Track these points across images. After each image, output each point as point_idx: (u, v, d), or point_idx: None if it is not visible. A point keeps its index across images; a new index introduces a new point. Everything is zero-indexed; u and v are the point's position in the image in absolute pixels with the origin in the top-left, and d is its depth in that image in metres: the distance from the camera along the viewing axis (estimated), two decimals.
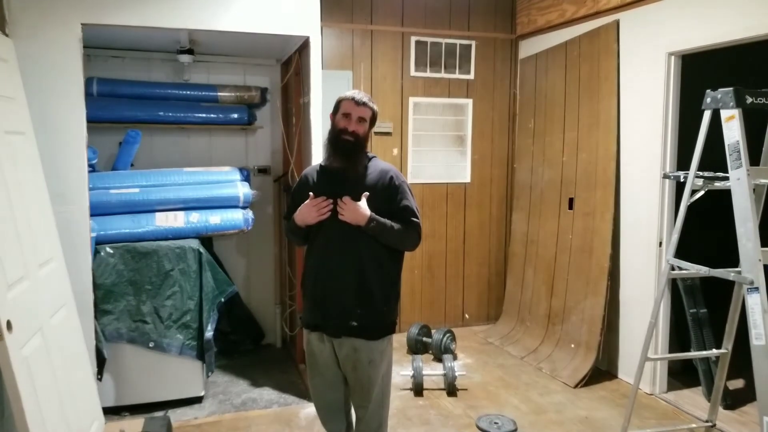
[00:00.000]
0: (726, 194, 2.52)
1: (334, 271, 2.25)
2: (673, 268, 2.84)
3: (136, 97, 4.02)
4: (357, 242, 2.22)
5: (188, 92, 4.16)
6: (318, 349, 2.34)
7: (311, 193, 2.25)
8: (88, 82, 3.72)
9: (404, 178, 2.35)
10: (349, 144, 2.23)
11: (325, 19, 3.95)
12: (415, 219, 2.29)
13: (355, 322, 2.23)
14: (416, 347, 4.44)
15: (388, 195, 2.27)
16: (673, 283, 3.66)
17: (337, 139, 2.26)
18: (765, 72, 3.95)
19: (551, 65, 4.64)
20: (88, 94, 3.36)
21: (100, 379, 3.17)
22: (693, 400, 3.61)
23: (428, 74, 4.88)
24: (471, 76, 4.99)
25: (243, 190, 3.70)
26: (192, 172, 3.71)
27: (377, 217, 2.20)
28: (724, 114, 2.47)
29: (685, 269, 2.76)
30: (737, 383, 3.78)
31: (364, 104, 2.26)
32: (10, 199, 2.33)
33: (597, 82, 4.12)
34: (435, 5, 4.82)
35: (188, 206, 3.54)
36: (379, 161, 2.37)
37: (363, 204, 2.19)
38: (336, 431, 2.45)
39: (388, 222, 2.23)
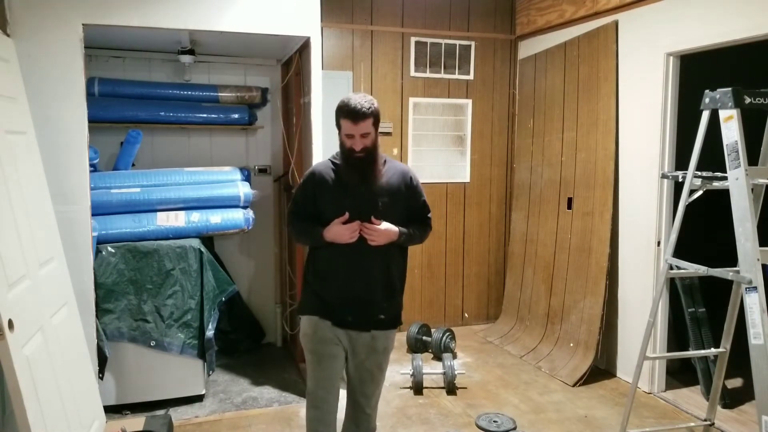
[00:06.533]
0: (725, 194, 2.54)
1: (366, 270, 2.28)
2: (671, 268, 2.85)
3: (137, 97, 4.04)
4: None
5: (189, 92, 4.18)
6: (330, 338, 2.29)
7: (347, 213, 2.20)
8: (90, 82, 3.73)
9: (418, 176, 2.44)
10: (362, 159, 2.20)
11: (325, 19, 3.97)
12: (429, 215, 2.44)
13: (383, 315, 2.32)
14: (416, 346, 4.45)
15: (410, 195, 2.35)
16: (672, 283, 3.67)
17: (349, 158, 2.22)
18: (763, 72, 3.96)
19: (550, 66, 4.65)
20: (90, 94, 3.37)
21: (101, 378, 3.19)
22: (692, 399, 3.62)
23: (428, 74, 4.89)
24: (470, 77, 5.01)
25: (243, 190, 3.72)
26: (193, 172, 3.72)
27: (403, 229, 2.29)
28: (723, 114, 2.48)
29: (684, 269, 2.78)
30: (736, 382, 3.80)
31: (363, 117, 2.13)
32: (11, 199, 2.34)
33: (596, 83, 4.13)
34: (435, 6, 4.83)
35: (189, 206, 3.55)
36: (394, 162, 2.39)
37: (387, 224, 2.23)
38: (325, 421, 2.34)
39: (411, 228, 2.34)
